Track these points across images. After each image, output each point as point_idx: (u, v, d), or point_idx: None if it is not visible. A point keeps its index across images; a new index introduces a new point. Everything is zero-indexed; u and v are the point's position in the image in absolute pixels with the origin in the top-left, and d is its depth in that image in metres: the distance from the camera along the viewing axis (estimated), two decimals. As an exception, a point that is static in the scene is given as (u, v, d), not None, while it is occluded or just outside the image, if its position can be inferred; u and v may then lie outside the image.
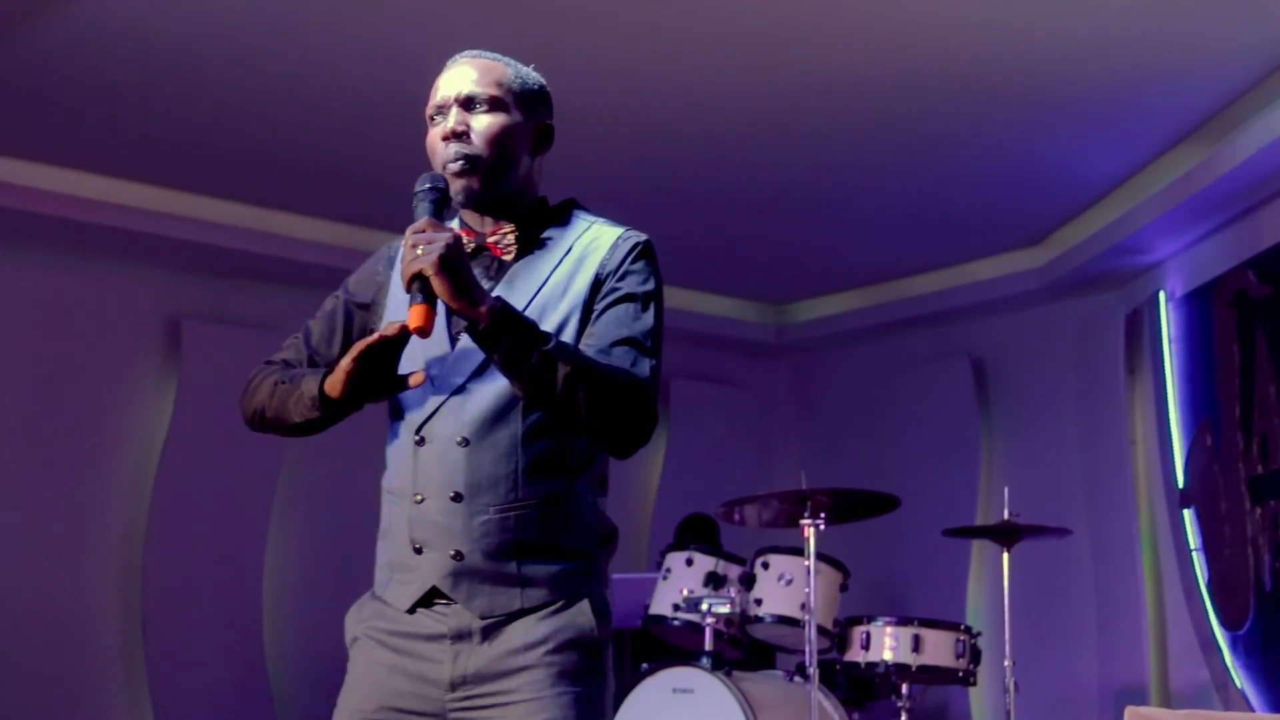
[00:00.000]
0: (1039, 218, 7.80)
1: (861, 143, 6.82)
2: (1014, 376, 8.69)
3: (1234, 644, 6.84)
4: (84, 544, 7.47)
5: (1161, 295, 7.53)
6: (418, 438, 2.63)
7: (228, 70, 5.99)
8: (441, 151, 2.67)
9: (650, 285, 2.68)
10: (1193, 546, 7.20)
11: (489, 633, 2.59)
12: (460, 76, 2.70)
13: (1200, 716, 4.82)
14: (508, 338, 2.46)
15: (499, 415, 2.59)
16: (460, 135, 2.65)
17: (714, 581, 6.16)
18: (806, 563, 5.74)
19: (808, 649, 5.65)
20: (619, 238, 2.70)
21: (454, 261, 2.43)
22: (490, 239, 2.69)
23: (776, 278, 8.95)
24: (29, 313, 7.46)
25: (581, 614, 2.61)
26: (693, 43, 5.83)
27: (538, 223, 2.72)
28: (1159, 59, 5.93)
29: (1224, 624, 6.92)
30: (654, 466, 9.27)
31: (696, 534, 7.67)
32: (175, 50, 5.82)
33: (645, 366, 2.60)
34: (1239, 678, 6.77)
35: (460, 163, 2.64)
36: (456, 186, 2.64)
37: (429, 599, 2.63)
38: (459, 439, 2.60)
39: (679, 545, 6.42)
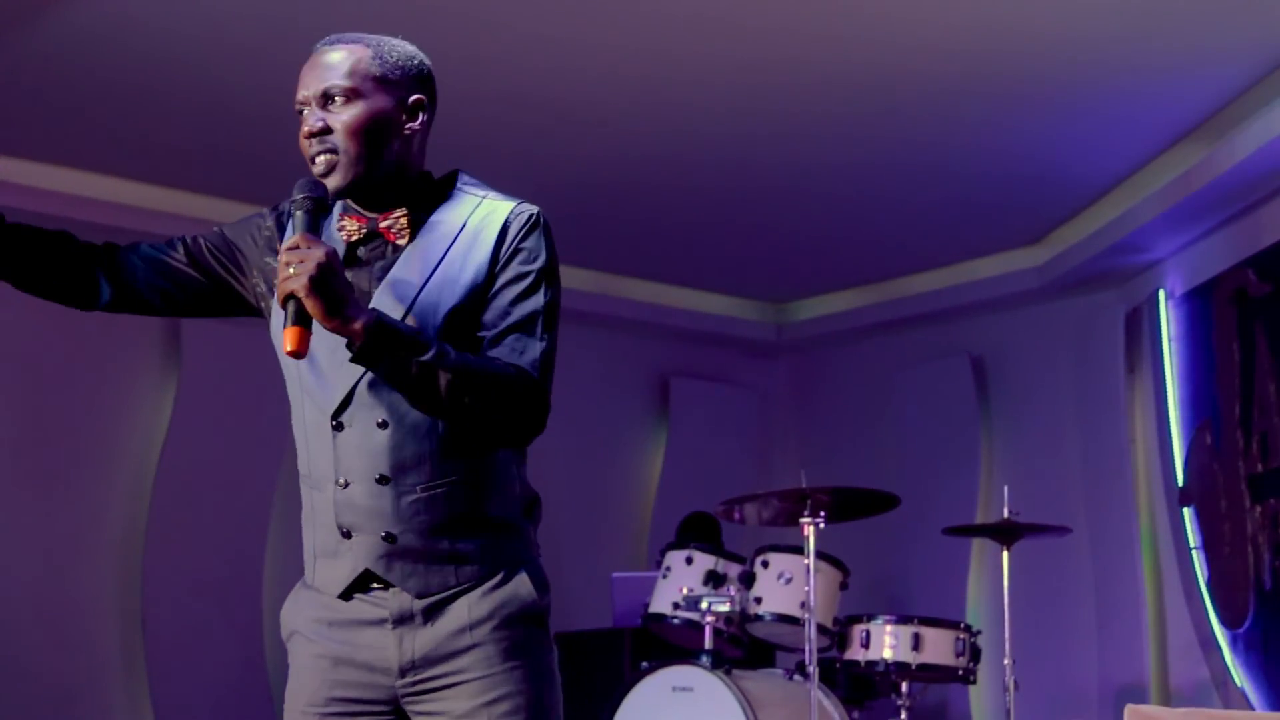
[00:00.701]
0: (1038, 216, 7.80)
1: (861, 141, 6.82)
2: (1014, 375, 8.69)
3: (1234, 642, 6.84)
4: (84, 544, 7.47)
5: (1161, 294, 7.53)
6: (335, 423, 2.62)
7: (228, 70, 5.99)
8: (307, 152, 2.64)
9: (540, 261, 2.64)
10: (1192, 545, 7.20)
11: (430, 613, 2.60)
12: (317, 71, 2.67)
13: (1200, 715, 4.83)
14: (385, 354, 2.46)
15: None
16: (320, 133, 2.62)
17: (714, 580, 6.16)
18: (806, 561, 5.74)
19: (807, 647, 5.66)
20: (510, 213, 2.66)
21: (325, 282, 2.41)
22: (383, 224, 2.65)
23: (776, 276, 8.95)
24: (29, 313, 7.43)
25: (522, 585, 2.62)
26: (692, 41, 5.84)
27: (427, 201, 2.69)
28: (1158, 57, 5.93)
29: (1224, 622, 6.92)
30: (654, 465, 9.27)
31: (698, 532, 7.66)
32: (176, 50, 5.82)
33: (535, 352, 2.58)
34: (1239, 676, 6.77)
35: (324, 158, 2.61)
36: (327, 185, 2.61)
37: (364, 584, 2.63)
38: (379, 421, 2.59)
39: (680, 544, 6.42)
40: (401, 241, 2.65)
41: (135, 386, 7.73)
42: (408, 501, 2.59)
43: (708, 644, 5.99)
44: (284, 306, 2.44)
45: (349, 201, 2.67)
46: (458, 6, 5.53)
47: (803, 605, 5.88)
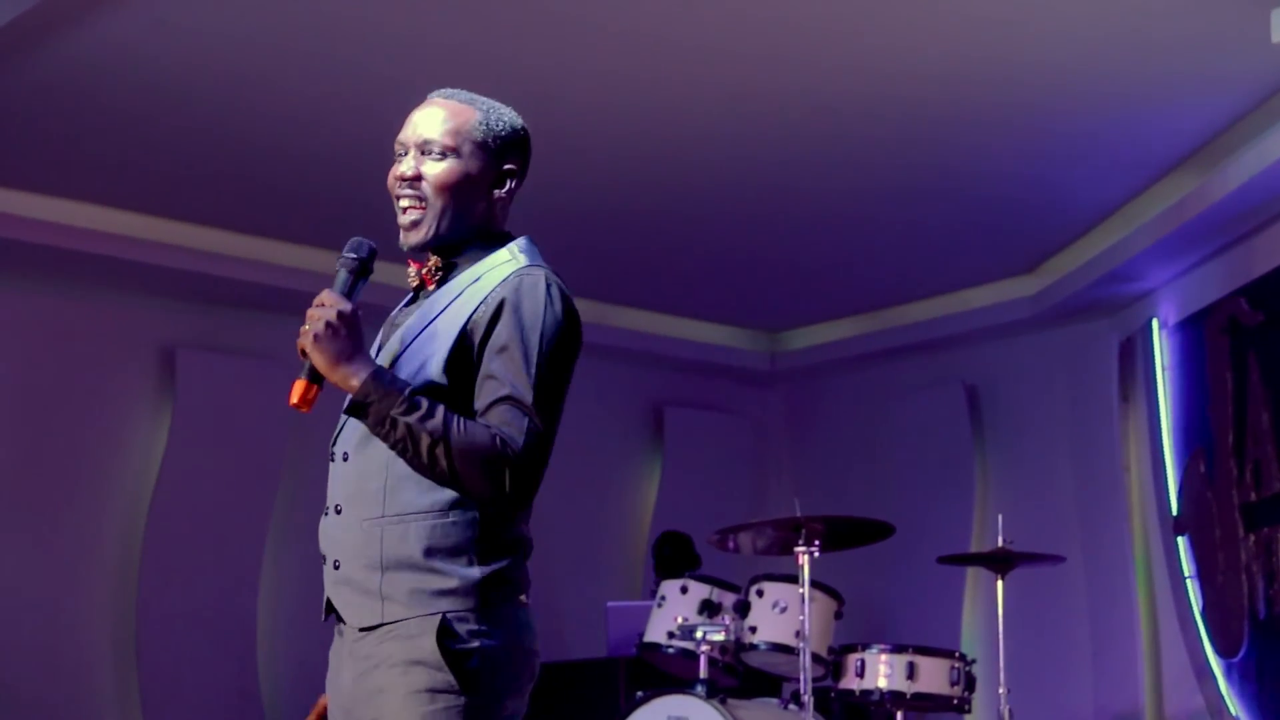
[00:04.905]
0: (1032, 245, 7.82)
1: (855, 170, 6.84)
2: (1008, 404, 8.69)
3: (1228, 671, 6.84)
4: (78, 573, 7.46)
5: (1155, 323, 7.55)
6: (330, 453, 2.72)
7: (221, 99, 6.00)
8: (394, 191, 2.72)
9: (532, 329, 2.60)
10: (1187, 573, 7.20)
11: (359, 646, 2.61)
12: (425, 119, 2.73)
13: (1195, 744, 4.83)
14: (370, 410, 2.55)
15: None
16: (411, 180, 2.69)
17: (709, 609, 6.15)
18: (801, 590, 5.74)
19: (802, 676, 5.65)
20: (509, 275, 2.66)
21: (327, 339, 2.55)
22: (424, 271, 2.74)
23: (770, 305, 8.96)
24: (23, 342, 7.45)
25: (427, 633, 2.53)
26: (684, 69, 5.86)
27: (475, 257, 2.73)
28: (1151, 87, 5.95)
29: (1218, 651, 6.91)
30: (648, 494, 9.26)
31: (674, 549, 7.59)
32: (169, 80, 5.83)
33: (521, 426, 2.55)
34: (1233, 705, 6.77)
35: (410, 204, 2.69)
36: (403, 239, 2.71)
37: (332, 609, 2.69)
38: (344, 454, 2.68)
39: (659, 566, 6.43)
40: (430, 289, 2.72)
41: (130, 415, 7.73)
42: (351, 533, 2.63)
43: (703, 673, 5.98)
44: (303, 360, 2.59)
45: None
46: (446, 39, 5.54)
47: (797, 634, 5.87)
